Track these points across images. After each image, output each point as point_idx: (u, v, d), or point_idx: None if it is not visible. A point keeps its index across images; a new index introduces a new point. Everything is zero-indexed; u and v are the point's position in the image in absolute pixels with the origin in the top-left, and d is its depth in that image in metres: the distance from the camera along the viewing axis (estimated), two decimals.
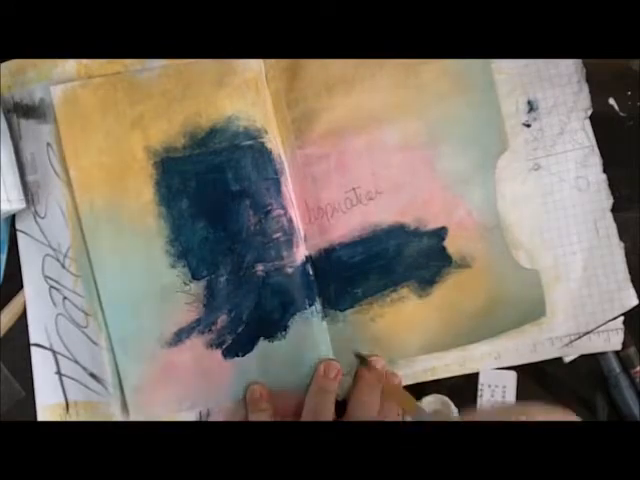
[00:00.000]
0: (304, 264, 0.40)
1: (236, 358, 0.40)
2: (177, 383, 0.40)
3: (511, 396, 0.40)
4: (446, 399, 0.40)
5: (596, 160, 0.40)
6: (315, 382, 0.39)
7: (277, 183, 0.39)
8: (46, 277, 0.41)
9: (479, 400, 0.40)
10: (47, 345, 0.41)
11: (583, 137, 0.40)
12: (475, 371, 0.40)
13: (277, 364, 0.40)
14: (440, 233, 0.40)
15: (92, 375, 0.40)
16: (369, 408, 0.38)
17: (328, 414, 0.38)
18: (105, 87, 0.39)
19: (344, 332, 0.40)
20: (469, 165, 0.39)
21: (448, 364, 0.40)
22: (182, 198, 0.39)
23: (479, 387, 0.40)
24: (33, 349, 0.41)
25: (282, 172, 0.40)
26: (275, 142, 0.40)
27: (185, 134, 0.39)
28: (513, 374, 0.40)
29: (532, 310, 0.40)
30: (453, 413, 0.40)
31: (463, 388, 0.41)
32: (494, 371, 0.40)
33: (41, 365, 0.41)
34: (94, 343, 0.40)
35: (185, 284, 0.39)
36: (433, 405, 0.40)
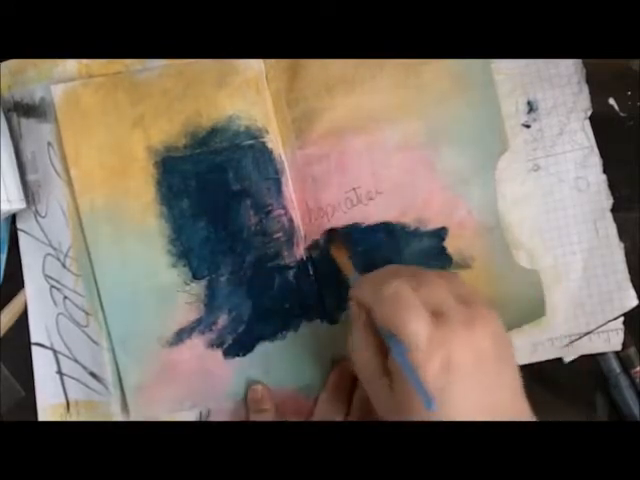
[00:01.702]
0: (304, 264, 0.40)
1: (237, 358, 0.40)
2: (177, 383, 0.40)
3: None
4: None
5: (596, 160, 0.40)
6: (330, 383, 0.39)
7: (278, 183, 0.39)
8: (47, 276, 0.41)
9: None
10: (48, 344, 0.41)
11: (583, 138, 0.40)
12: None
13: (278, 364, 0.40)
14: (440, 233, 0.40)
15: (92, 374, 0.40)
16: (370, 408, 0.38)
17: (341, 415, 0.38)
18: (106, 86, 0.39)
19: (344, 332, 0.40)
20: (469, 165, 0.39)
21: None
22: (183, 198, 0.39)
23: None
24: (34, 348, 0.41)
25: (283, 172, 0.40)
26: (276, 142, 0.40)
27: (186, 134, 0.39)
28: None
29: (532, 310, 0.40)
30: None
31: None
32: None
33: (42, 364, 0.41)
34: (95, 342, 0.40)
35: (186, 284, 0.39)
36: None
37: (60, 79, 0.40)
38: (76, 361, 0.41)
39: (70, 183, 0.40)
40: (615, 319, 0.40)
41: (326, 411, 0.39)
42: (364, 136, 0.39)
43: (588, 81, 0.40)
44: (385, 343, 0.32)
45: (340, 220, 0.40)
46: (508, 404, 0.30)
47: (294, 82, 0.40)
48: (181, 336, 0.40)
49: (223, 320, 0.40)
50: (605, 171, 0.40)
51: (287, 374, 0.40)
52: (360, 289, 0.33)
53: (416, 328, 0.29)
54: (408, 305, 0.30)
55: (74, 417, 0.41)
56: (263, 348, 0.40)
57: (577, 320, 0.40)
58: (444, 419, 0.29)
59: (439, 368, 0.29)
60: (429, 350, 0.29)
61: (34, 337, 0.41)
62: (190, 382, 0.40)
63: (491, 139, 0.39)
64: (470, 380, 0.29)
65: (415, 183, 0.39)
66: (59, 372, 0.41)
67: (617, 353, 0.40)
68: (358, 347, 0.33)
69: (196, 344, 0.40)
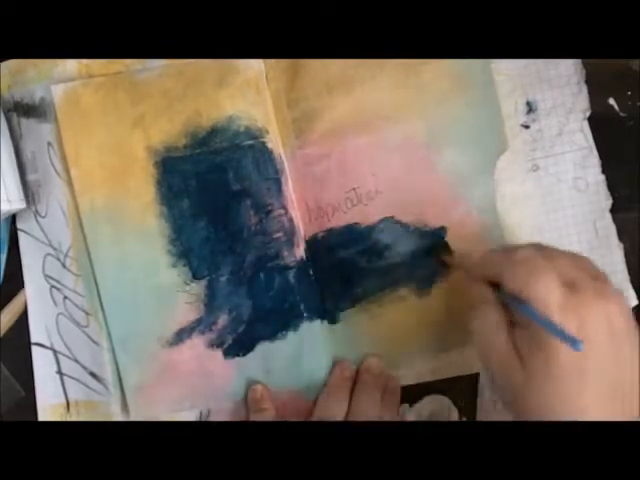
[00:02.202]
0: (304, 264, 0.40)
1: (237, 358, 0.40)
2: (177, 383, 0.40)
3: None
4: (446, 399, 0.40)
5: (594, 161, 0.40)
6: (330, 383, 0.39)
7: (278, 183, 0.39)
8: (47, 276, 0.41)
9: (479, 400, 0.40)
10: (48, 344, 0.41)
11: (581, 138, 0.40)
12: (475, 371, 0.40)
13: (278, 364, 0.40)
14: (440, 233, 0.40)
15: (92, 374, 0.40)
16: (370, 407, 0.38)
17: (341, 414, 0.38)
18: (106, 86, 0.39)
19: (344, 332, 0.40)
20: (469, 165, 0.39)
21: (448, 364, 0.40)
22: (183, 198, 0.39)
23: (479, 387, 0.40)
24: (34, 348, 0.41)
25: (283, 172, 0.40)
26: (276, 142, 0.40)
27: (186, 134, 0.39)
28: None
29: None
30: (453, 413, 0.40)
31: (463, 388, 0.41)
32: None
33: (42, 364, 0.41)
34: (95, 342, 0.40)
35: (186, 284, 0.40)
36: (433, 405, 0.40)
37: (60, 79, 0.40)
38: (76, 361, 0.41)
39: (70, 183, 0.40)
40: None
41: (326, 411, 0.39)
42: (364, 136, 0.39)
43: (588, 81, 0.40)
44: (514, 313, 0.31)
45: (340, 220, 0.40)
46: (637, 386, 0.30)
47: (294, 82, 0.40)
48: (181, 336, 0.40)
49: (223, 320, 0.40)
50: (604, 171, 0.40)
51: (287, 374, 0.40)
52: (488, 261, 0.33)
53: (548, 291, 0.29)
54: (539, 269, 0.30)
55: (74, 417, 0.41)
56: (263, 348, 0.40)
57: None
58: (578, 389, 0.29)
59: (574, 334, 0.28)
60: (563, 315, 0.28)
61: (34, 337, 0.41)
62: (190, 382, 0.40)
63: (491, 139, 0.40)
64: (604, 351, 0.29)
65: (415, 183, 0.40)
66: (59, 372, 0.41)
67: None
68: (486, 326, 0.32)
69: (196, 344, 0.40)
